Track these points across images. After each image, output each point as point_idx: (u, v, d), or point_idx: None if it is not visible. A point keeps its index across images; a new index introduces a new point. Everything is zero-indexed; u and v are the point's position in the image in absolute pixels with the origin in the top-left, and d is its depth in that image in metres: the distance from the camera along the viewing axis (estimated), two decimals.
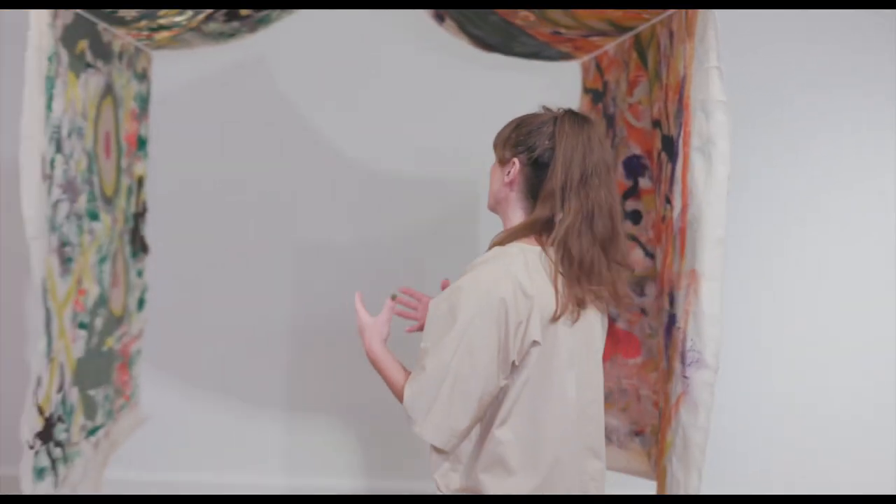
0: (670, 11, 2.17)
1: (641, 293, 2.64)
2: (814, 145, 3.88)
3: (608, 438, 2.66)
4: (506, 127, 2.05)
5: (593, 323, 1.94)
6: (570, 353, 1.89)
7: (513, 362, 1.84)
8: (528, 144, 1.95)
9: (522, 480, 1.88)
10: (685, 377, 1.99)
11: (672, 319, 2.08)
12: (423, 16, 2.98)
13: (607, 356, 2.74)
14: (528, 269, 1.85)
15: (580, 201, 1.85)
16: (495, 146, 2.05)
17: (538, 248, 1.89)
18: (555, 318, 1.83)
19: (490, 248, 1.96)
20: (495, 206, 2.03)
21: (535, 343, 1.83)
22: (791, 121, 3.87)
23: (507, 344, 1.83)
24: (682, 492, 1.99)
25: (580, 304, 1.86)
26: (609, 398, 2.77)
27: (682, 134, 2.06)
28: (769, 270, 3.91)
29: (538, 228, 1.90)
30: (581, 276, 1.86)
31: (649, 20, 2.34)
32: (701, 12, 1.97)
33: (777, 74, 3.86)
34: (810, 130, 3.87)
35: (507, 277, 1.83)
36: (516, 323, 1.82)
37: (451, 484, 1.94)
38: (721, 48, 1.93)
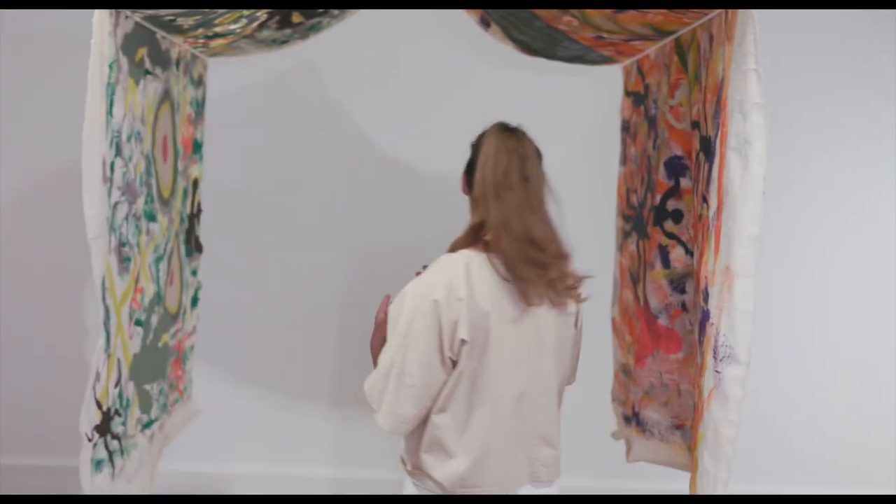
0: (711, 15, 2.18)
1: (682, 290, 2.65)
2: (854, 148, 3.88)
3: (650, 431, 2.80)
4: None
5: (544, 319, 2.12)
6: (515, 349, 2.09)
7: (449, 357, 2.04)
8: (470, 156, 2.22)
9: (458, 462, 2.08)
10: (717, 372, 2.00)
11: (706, 315, 2.09)
12: (469, 23, 3.00)
13: (649, 351, 2.78)
14: (469, 275, 2.06)
15: (497, 207, 2.09)
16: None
17: (484, 255, 2.09)
18: (489, 319, 2.04)
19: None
20: None
21: (463, 342, 2.03)
22: (831, 124, 3.87)
23: (443, 341, 2.03)
24: (712, 483, 2.01)
25: (527, 302, 2.07)
26: (651, 392, 2.81)
27: (719, 134, 2.08)
28: (808, 270, 3.92)
29: (477, 234, 2.12)
30: (513, 276, 2.05)
31: (690, 24, 2.35)
32: (740, 17, 1.98)
33: (817, 78, 3.86)
34: (851, 134, 3.87)
35: (443, 283, 2.04)
36: (450, 322, 2.02)
37: (408, 462, 2.18)
38: (759, 51, 1.94)
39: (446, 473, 2.09)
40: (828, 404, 3.93)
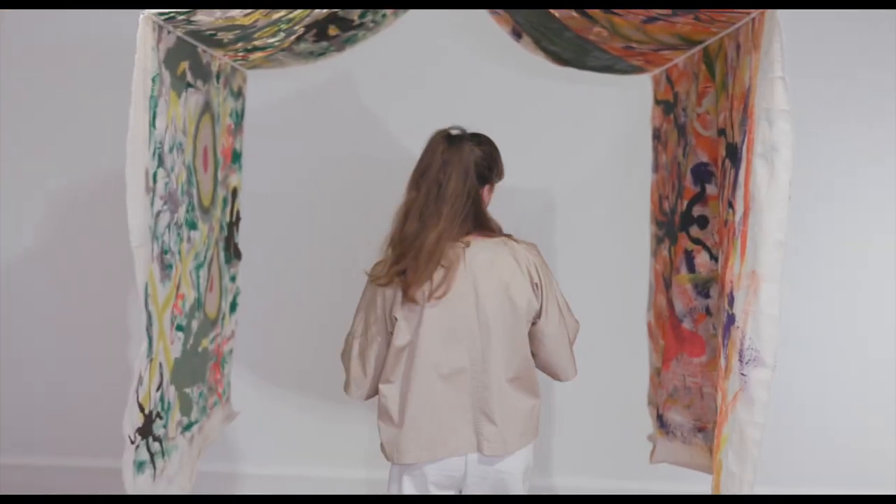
0: (738, 24, 2.19)
1: (706, 295, 2.66)
2: (879, 154, 3.89)
3: (673, 433, 2.82)
4: None
5: (465, 300, 2.33)
6: (444, 328, 2.33)
7: (390, 332, 2.38)
8: None
9: (397, 429, 2.36)
10: (743, 375, 2.01)
11: (731, 319, 2.09)
12: (501, 34, 3.02)
13: (673, 354, 2.79)
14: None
15: (403, 202, 2.41)
16: None
17: None
18: (406, 300, 2.33)
19: None
20: None
21: (395, 319, 2.36)
22: (856, 132, 3.87)
23: (386, 319, 2.39)
24: (737, 485, 2.01)
25: (407, 296, 2.32)
26: (674, 395, 2.82)
27: (745, 141, 2.09)
28: (834, 274, 3.92)
29: None
30: (412, 263, 2.32)
31: (717, 34, 2.36)
32: (767, 26, 1.99)
33: (842, 85, 3.86)
34: (875, 140, 3.87)
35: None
36: (389, 303, 2.37)
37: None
38: (785, 59, 1.95)
39: (385, 438, 2.39)
40: (854, 406, 3.91)
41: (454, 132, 2.45)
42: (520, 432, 2.38)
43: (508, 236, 2.47)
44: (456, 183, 2.36)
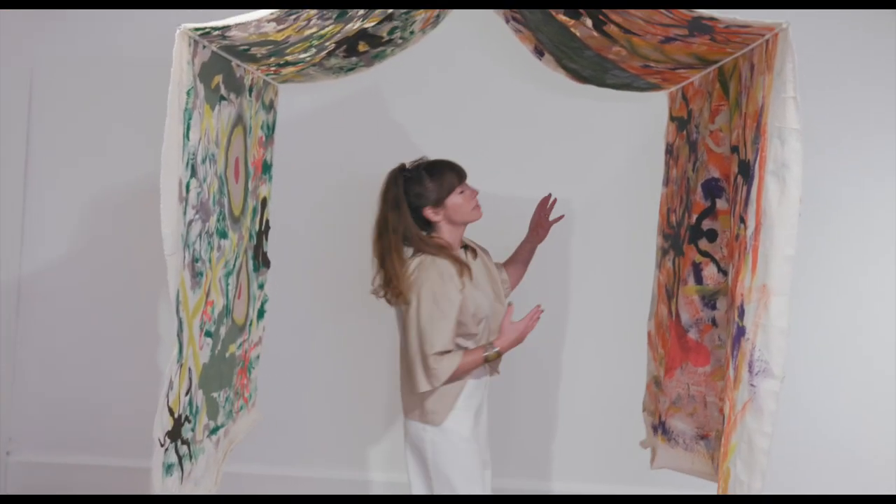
0: (753, 45, 2.20)
1: (713, 307, 2.67)
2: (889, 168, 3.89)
3: (675, 440, 2.87)
4: None
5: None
6: None
7: None
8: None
9: None
10: (752, 385, 2.03)
11: (741, 331, 2.10)
12: (524, 52, 3.05)
13: (678, 363, 2.81)
14: None
15: None
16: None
17: None
18: None
19: None
20: None
21: None
22: (867, 147, 3.90)
23: None
24: (745, 492, 2.03)
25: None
26: (678, 403, 2.84)
27: (758, 158, 2.10)
28: (841, 288, 3.95)
29: None
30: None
31: (732, 54, 2.37)
32: (780, 47, 2.00)
33: (852, 102, 3.88)
34: (887, 155, 3.89)
35: None
36: None
37: None
38: (798, 80, 1.96)
39: None
40: (861, 416, 3.91)
41: (401, 169, 2.90)
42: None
43: None
44: (380, 217, 2.89)
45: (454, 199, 2.82)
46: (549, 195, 3.18)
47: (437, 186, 2.80)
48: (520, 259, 3.19)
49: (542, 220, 3.16)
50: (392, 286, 2.75)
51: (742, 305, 2.10)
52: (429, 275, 2.71)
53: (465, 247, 2.93)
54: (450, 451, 2.75)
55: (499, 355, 2.74)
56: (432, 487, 2.77)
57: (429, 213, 2.82)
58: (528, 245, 3.19)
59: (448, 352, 2.68)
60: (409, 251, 2.81)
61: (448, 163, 2.87)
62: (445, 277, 2.71)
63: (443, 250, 2.78)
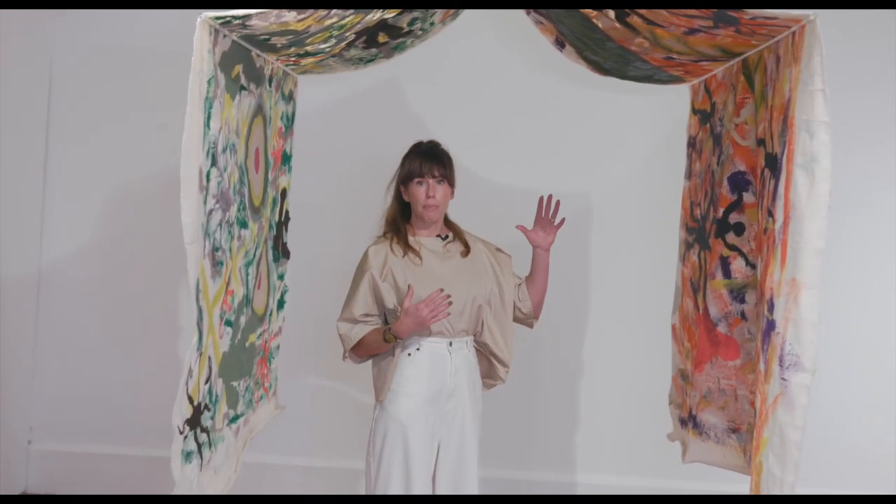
0: (778, 37, 2.17)
1: (742, 300, 2.65)
2: None
3: (707, 434, 2.84)
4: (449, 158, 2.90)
5: None
6: None
7: None
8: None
9: None
10: (783, 379, 2.01)
11: (771, 325, 2.08)
12: (545, 44, 3.00)
13: (707, 357, 2.78)
14: None
15: None
16: (450, 173, 2.89)
17: None
18: None
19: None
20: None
21: None
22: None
23: None
24: (778, 486, 2.01)
25: None
26: (708, 397, 2.81)
27: (786, 152, 2.08)
28: (871, 281, 3.93)
29: None
30: None
31: (757, 46, 2.34)
32: (807, 39, 1.98)
33: (881, 96, 3.87)
34: None
35: None
36: None
37: None
38: (825, 72, 1.93)
39: None
40: (889, 413, 3.88)
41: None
42: None
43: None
44: None
45: (412, 188, 2.87)
46: (548, 196, 2.95)
47: (401, 169, 2.91)
48: (532, 270, 2.98)
49: (542, 223, 2.94)
50: None
51: (772, 299, 2.09)
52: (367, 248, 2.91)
53: (447, 236, 2.94)
54: (380, 429, 2.83)
55: (395, 338, 2.75)
56: (368, 459, 2.88)
57: (402, 189, 2.92)
58: (535, 251, 2.97)
59: (358, 323, 2.85)
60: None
61: (426, 151, 2.88)
62: (369, 253, 2.89)
63: (390, 227, 2.94)
